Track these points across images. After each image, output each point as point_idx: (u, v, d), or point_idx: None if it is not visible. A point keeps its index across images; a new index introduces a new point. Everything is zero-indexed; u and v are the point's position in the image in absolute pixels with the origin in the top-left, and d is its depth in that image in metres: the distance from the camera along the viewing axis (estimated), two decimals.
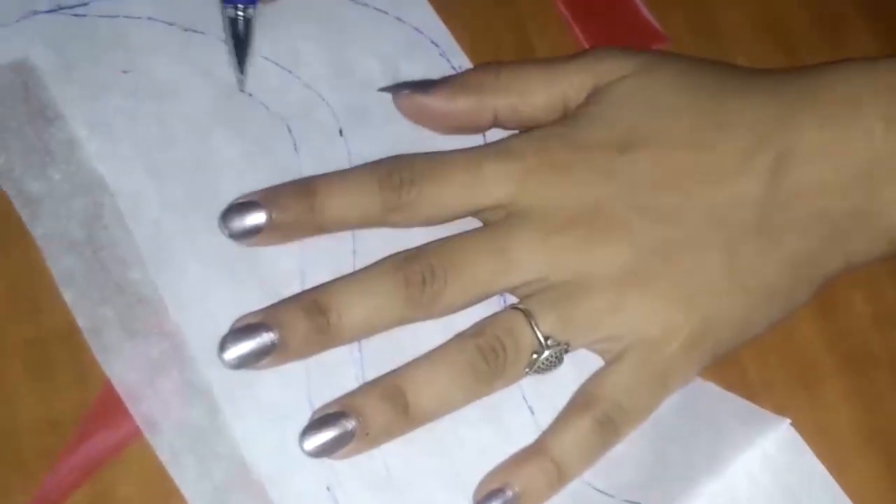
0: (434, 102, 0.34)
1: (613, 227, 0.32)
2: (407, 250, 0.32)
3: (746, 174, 0.33)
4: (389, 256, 0.32)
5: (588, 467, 0.32)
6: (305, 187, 0.32)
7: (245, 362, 0.31)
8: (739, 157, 0.33)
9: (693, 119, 0.33)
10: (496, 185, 0.33)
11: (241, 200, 0.32)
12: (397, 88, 0.35)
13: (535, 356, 0.32)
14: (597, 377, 0.33)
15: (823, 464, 0.32)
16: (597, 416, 0.32)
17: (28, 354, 0.32)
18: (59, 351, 0.32)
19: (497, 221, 0.33)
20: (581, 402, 0.32)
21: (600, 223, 0.32)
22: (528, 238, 0.32)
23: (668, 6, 0.38)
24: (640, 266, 0.32)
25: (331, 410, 0.31)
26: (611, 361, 0.33)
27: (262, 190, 0.32)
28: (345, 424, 0.31)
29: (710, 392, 0.34)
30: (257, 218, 0.32)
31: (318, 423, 0.31)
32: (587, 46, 0.38)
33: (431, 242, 0.33)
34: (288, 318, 0.31)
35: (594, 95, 0.34)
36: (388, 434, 0.32)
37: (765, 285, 0.33)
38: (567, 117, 0.34)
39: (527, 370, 0.32)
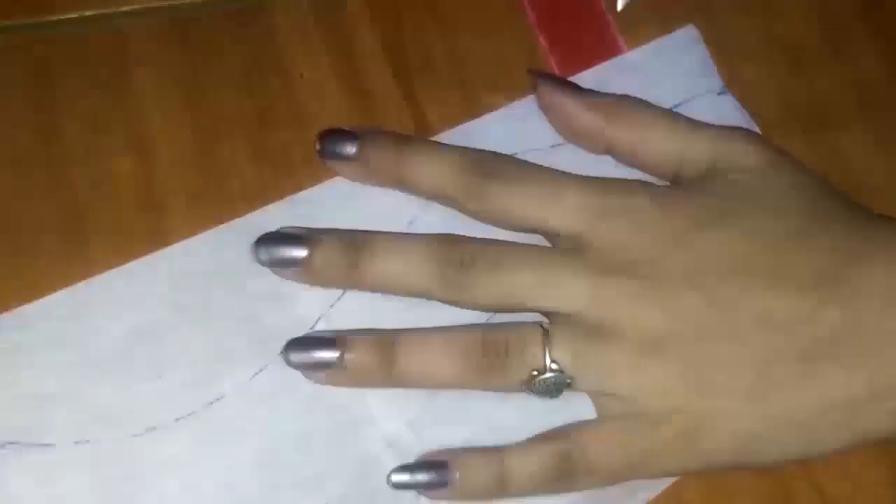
0: (568, 107, 0.35)
1: (664, 292, 0.32)
2: (459, 235, 0.33)
3: (814, 295, 0.31)
4: (440, 234, 0.33)
5: (531, 493, 0.32)
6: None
7: (273, 263, 0.32)
8: (813, 277, 0.32)
9: (782, 229, 0.32)
10: (573, 214, 0.33)
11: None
12: (546, 80, 0.35)
13: (535, 373, 0.32)
14: (580, 423, 0.33)
15: None
16: (559, 450, 0.32)
17: None
18: None
19: (555, 246, 0.33)
20: (551, 433, 0.32)
21: (653, 283, 0.32)
22: (579, 269, 0.32)
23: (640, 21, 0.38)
24: (673, 339, 0.31)
25: (326, 335, 0.32)
26: (601, 416, 0.32)
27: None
28: (331, 351, 0.32)
29: None
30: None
31: (310, 340, 0.32)
32: (551, 53, 0.38)
33: (484, 239, 0.33)
34: (325, 242, 0.32)
35: (710, 176, 0.34)
36: (362, 378, 0.32)
37: (788, 412, 0.31)
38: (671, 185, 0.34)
39: (522, 385, 0.32)
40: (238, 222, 0.34)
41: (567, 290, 0.32)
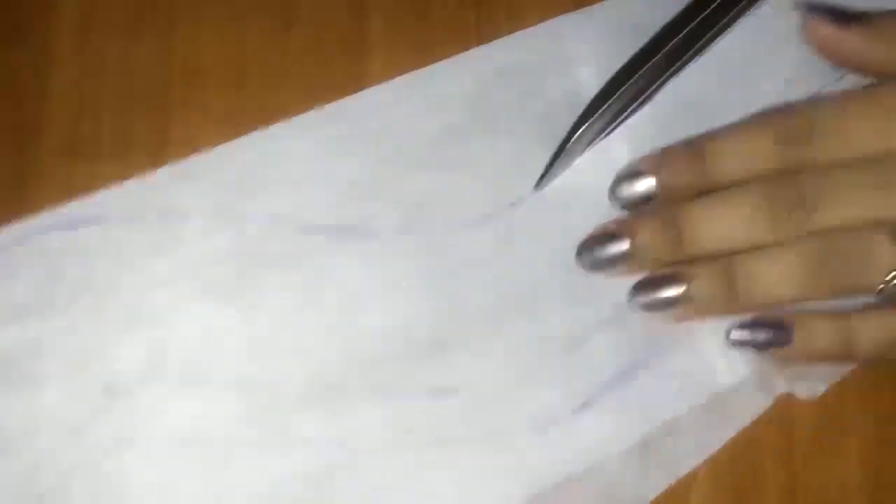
0: (847, 41, 0.32)
1: None
2: (778, 172, 0.31)
3: None
4: (757, 180, 0.31)
5: (880, 352, 0.31)
6: (693, 151, 0.32)
7: (600, 266, 0.32)
8: None
9: None
10: None
11: (627, 170, 0.32)
12: (812, 11, 0.32)
13: (893, 275, 0.30)
14: None
15: None
16: None
17: None
18: None
19: (883, 157, 0.30)
20: None
21: None
22: None
23: None
24: None
25: (667, 273, 0.32)
26: None
27: (647, 157, 0.32)
28: (675, 288, 0.31)
29: None
30: (647, 184, 0.32)
31: (653, 280, 0.32)
32: None
33: (806, 170, 0.31)
34: (644, 228, 0.32)
35: None
36: (713, 308, 0.32)
37: None
38: None
39: (881, 286, 0.30)
40: (539, 28, 0.35)
41: None
